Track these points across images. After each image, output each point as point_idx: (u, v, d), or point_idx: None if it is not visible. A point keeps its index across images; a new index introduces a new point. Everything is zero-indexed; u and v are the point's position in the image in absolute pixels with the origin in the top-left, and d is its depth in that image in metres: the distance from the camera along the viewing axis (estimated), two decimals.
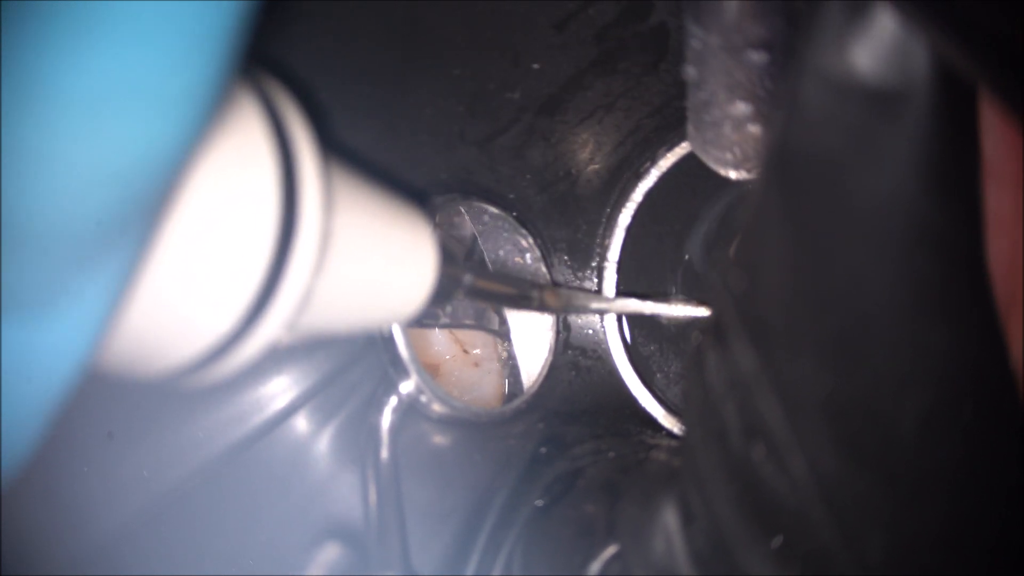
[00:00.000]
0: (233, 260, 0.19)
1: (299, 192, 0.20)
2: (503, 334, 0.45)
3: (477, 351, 0.44)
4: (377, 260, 0.25)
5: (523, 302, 0.37)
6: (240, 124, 0.19)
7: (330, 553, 0.37)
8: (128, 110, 0.14)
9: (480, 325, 0.44)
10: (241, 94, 0.19)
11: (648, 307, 0.44)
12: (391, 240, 0.25)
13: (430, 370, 0.43)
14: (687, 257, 0.46)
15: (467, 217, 0.44)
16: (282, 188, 0.20)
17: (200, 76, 0.15)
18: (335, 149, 0.22)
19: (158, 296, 0.18)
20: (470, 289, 0.31)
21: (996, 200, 0.18)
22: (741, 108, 0.35)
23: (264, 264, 0.20)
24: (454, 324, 0.43)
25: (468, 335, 0.44)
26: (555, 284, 0.46)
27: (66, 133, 0.13)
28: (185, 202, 0.18)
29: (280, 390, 0.38)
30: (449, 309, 0.42)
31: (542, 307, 0.38)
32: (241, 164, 0.19)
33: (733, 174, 0.40)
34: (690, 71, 0.35)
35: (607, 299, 0.45)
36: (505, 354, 0.45)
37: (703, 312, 0.44)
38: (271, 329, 0.21)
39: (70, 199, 0.14)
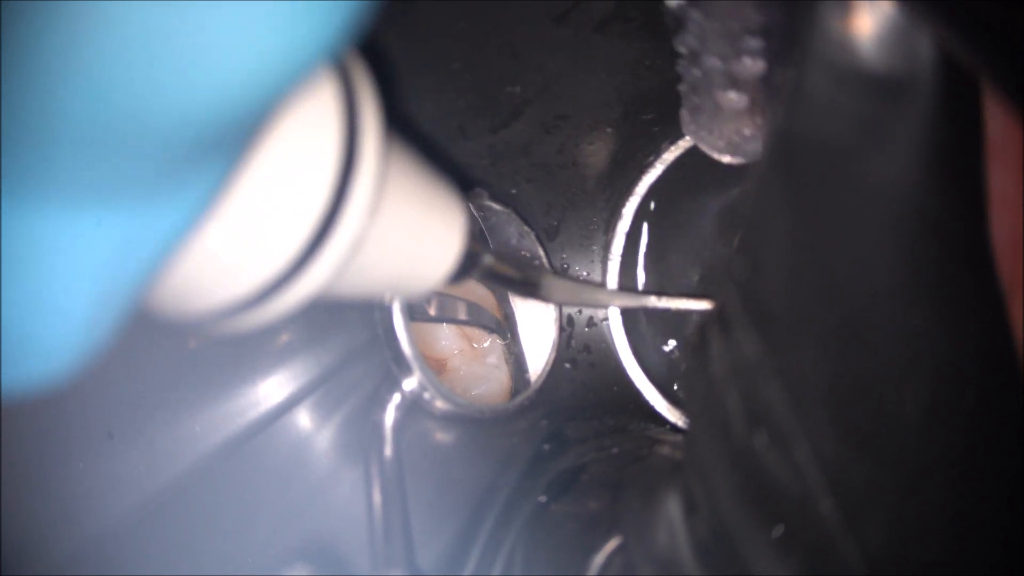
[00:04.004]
0: (291, 206, 0.20)
1: (359, 150, 0.21)
2: (499, 331, 0.45)
3: (485, 346, 0.44)
4: (417, 223, 0.26)
5: (532, 290, 0.37)
6: (317, 82, 0.20)
7: (328, 553, 0.37)
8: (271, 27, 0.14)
9: (473, 321, 0.44)
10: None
11: (655, 301, 0.44)
12: (431, 207, 0.26)
13: (438, 365, 0.42)
14: (693, 250, 0.46)
15: (473, 212, 0.44)
16: (344, 146, 0.21)
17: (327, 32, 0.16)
18: (394, 117, 0.23)
19: (217, 232, 0.19)
20: (486, 270, 0.31)
21: (1000, 182, 0.18)
22: (736, 93, 0.35)
23: (319, 213, 0.21)
24: (446, 319, 0.43)
25: (476, 330, 0.44)
26: (565, 276, 0.46)
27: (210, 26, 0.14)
28: (259, 145, 0.19)
29: (279, 384, 0.38)
30: (438, 304, 0.42)
31: (549, 297, 0.38)
32: (312, 118, 0.20)
33: (727, 159, 0.40)
34: (686, 55, 0.35)
35: (616, 293, 0.45)
36: (513, 349, 0.45)
37: (711, 306, 0.44)
38: (318, 278, 0.21)
39: (206, 92, 0.15)
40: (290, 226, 0.20)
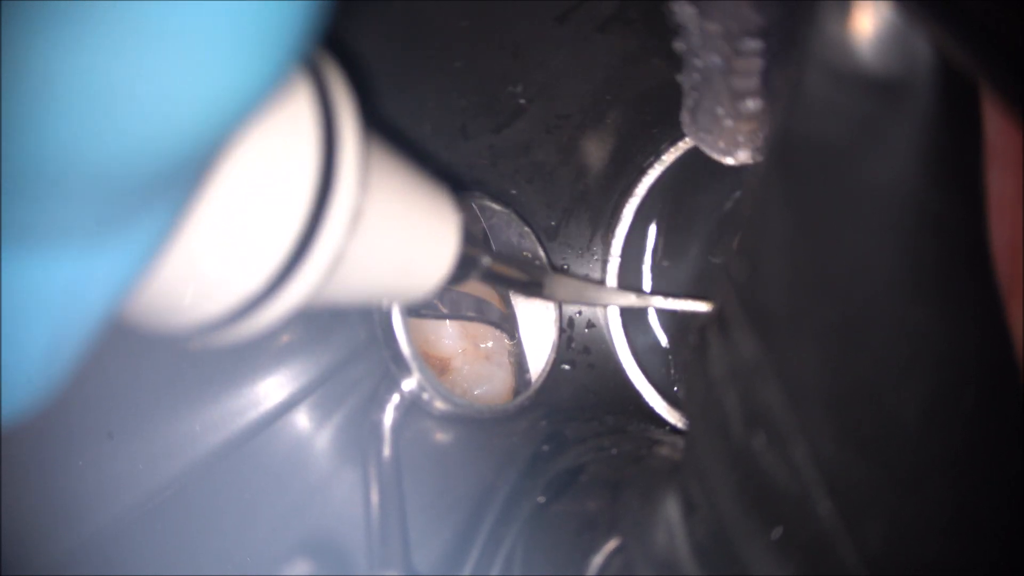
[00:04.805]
0: (269, 220, 0.20)
1: (337, 160, 0.21)
2: (505, 327, 0.45)
3: (488, 345, 0.44)
4: (405, 231, 0.25)
5: (534, 289, 0.37)
6: (289, 91, 0.20)
7: (326, 553, 0.37)
8: (216, 59, 0.14)
9: (481, 318, 0.44)
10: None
11: (659, 302, 0.44)
12: (419, 213, 0.26)
13: (441, 364, 0.42)
14: (691, 251, 0.46)
15: (477, 213, 0.44)
16: (321, 156, 0.20)
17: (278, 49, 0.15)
18: (374, 122, 0.23)
19: (194, 249, 0.19)
20: (486, 271, 0.31)
21: (999, 184, 0.18)
22: (736, 94, 0.35)
23: (298, 227, 0.20)
24: (453, 316, 0.43)
25: (479, 330, 0.44)
26: (567, 274, 0.46)
27: (150, 66, 0.13)
28: (230, 160, 0.18)
29: (278, 384, 0.38)
30: (448, 299, 0.42)
31: (552, 296, 0.38)
32: (286, 129, 0.20)
33: (727, 160, 0.40)
34: (686, 56, 0.35)
35: (620, 292, 0.45)
36: (515, 349, 0.45)
37: (710, 308, 0.44)
38: (301, 291, 0.21)
39: (143, 138, 0.14)
40: (269, 240, 0.20)
